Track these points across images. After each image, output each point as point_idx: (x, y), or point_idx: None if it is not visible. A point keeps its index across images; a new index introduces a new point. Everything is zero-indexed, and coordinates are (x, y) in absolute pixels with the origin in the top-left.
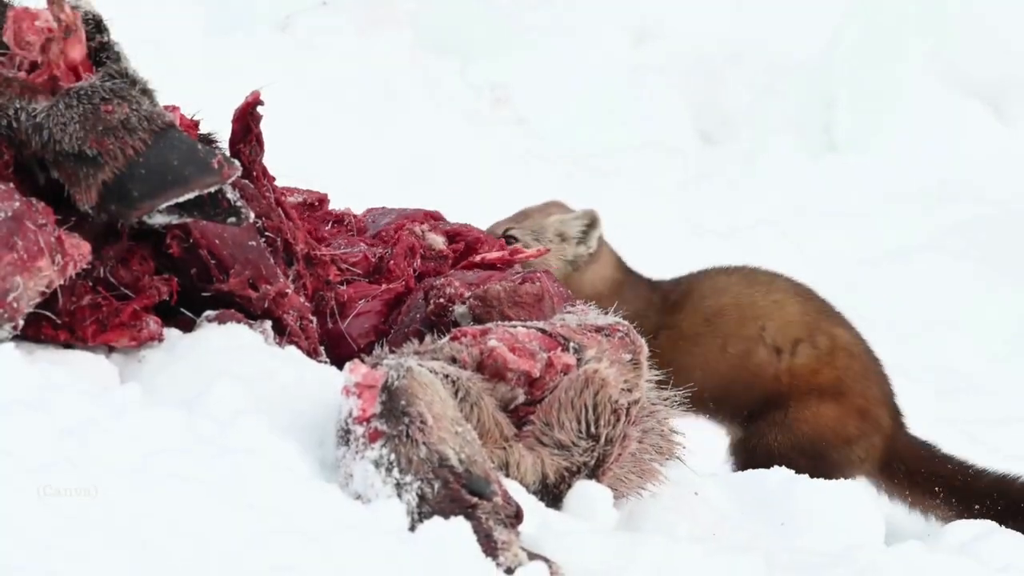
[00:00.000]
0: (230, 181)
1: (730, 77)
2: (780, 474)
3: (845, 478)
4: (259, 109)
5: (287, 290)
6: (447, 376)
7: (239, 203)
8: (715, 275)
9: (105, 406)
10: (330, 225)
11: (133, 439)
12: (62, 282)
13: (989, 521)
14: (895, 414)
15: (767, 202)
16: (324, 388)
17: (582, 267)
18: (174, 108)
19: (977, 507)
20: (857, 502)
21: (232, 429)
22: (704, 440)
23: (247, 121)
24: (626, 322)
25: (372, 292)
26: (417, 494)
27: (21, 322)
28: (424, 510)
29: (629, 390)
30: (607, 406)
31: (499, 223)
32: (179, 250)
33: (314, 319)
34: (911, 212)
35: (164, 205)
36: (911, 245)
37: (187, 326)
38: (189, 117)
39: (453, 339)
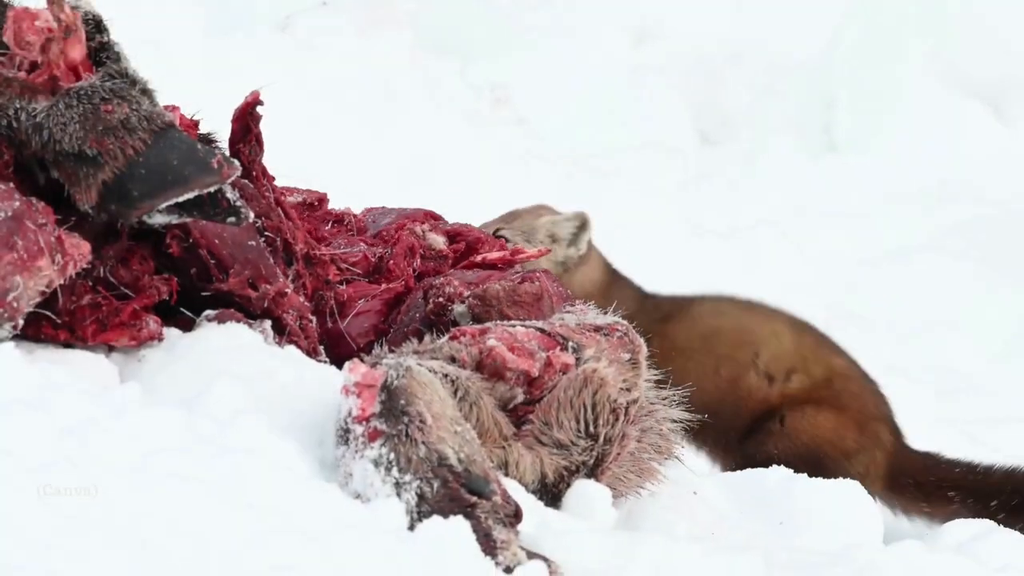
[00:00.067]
0: (230, 181)
1: (730, 77)
2: (778, 473)
3: None
4: (259, 109)
5: (287, 290)
6: (446, 375)
7: (239, 203)
8: (716, 298)
9: (105, 405)
10: (330, 225)
11: (133, 438)
12: (62, 282)
13: (988, 521)
14: (895, 431)
15: (767, 202)
16: (324, 387)
17: (572, 269)
18: (174, 108)
19: (994, 504)
20: (856, 501)
21: (232, 428)
22: None
23: (247, 121)
24: (625, 322)
25: (372, 292)
26: (416, 493)
27: (21, 321)
28: (423, 509)
29: (628, 389)
30: (606, 405)
31: (488, 223)
32: (179, 250)
33: (314, 319)
34: (911, 212)
35: (164, 205)
36: (911, 245)
37: (187, 326)
38: (189, 117)
39: (452, 338)
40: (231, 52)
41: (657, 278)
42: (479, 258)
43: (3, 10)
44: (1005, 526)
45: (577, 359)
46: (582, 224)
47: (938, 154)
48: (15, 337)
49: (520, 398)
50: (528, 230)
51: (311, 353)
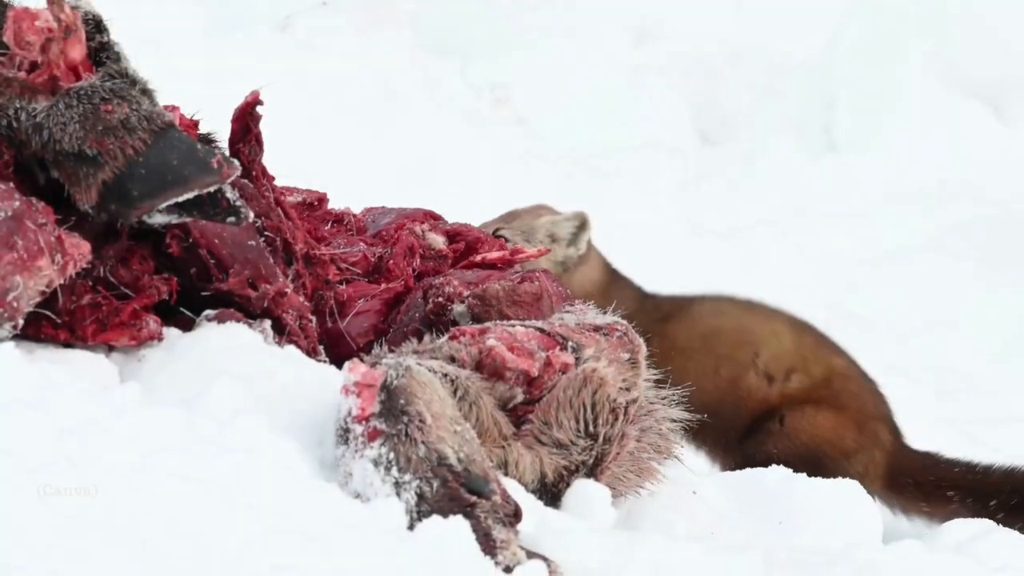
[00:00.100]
0: (229, 181)
1: (730, 77)
2: (778, 473)
3: None
4: (258, 109)
5: (286, 289)
6: (446, 375)
7: (238, 203)
8: (716, 298)
9: (105, 405)
10: (329, 225)
11: (133, 438)
12: (62, 281)
13: (987, 520)
14: (894, 431)
15: (767, 202)
16: (323, 387)
17: (571, 269)
18: (174, 108)
19: (993, 503)
20: (855, 501)
21: (231, 428)
22: None
23: (246, 121)
24: (624, 322)
25: (371, 291)
26: (416, 493)
27: (21, 321)
28: (423, 509)
29: (627, 389)
30: (605, 405)
31: (487, 223)
32: (179, 249)
33: (313, 318)
34: (911, 212)
35: (164, 205)
36: (911, 245)
37: (187, 325)
38: (189, 117)
39: (452, 338)
40: (231, 52)
41: (657, 278)
42: (478, 258)
43: (3, 10)
44: (1004, 525)
45: (577, 359)
46: (581, 224)
47: (938, 154)
48: (15, 337)
49: (520, 398)
50: (527, 230)
51: (311, 353)
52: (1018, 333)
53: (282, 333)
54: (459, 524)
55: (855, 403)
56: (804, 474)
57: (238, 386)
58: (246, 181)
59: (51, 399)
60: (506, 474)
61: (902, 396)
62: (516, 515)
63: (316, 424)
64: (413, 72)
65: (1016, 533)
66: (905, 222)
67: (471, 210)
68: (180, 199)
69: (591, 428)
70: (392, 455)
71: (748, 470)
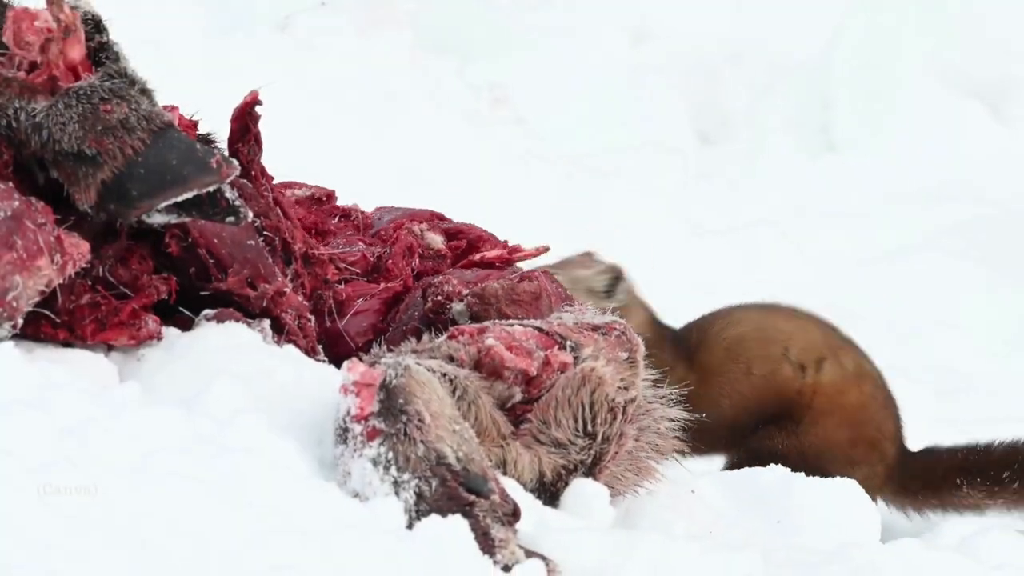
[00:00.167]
0: (228, 180)
1: (730, 77)
2: (777, 472)
3: None
4: (258, 109)
5: (285, 289)
6: (445, 374)
7: (237, 202)
8: (727, 310)
9: (104, 405)
10: (337, 219)
11: (132, 438)
12: (61, 281)
13: (985, 519)
14: (900, 446)
15: (767, 202)
16: (322, 387)
17: None
18: (173, 108)
19: (1006, 475)
20: (854, 500)
21: (231, 428)
22: None
23: (245, 121)
24: (623, 321)
25: (370, 291)
26: (415, 492)
27: (20, 321)
28: (422, 508)
29: (626, 388)
30: (604, 404)
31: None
32: (178, 249)
33: (312, 318)
34: (911, 212)
35: (163, 204)
36: (911, 245)
37: (186, 325)
38: (188, 117)
39: (451, 337)
40: (231, 52)
41: (657, 278)
42: (477, 257)
43: (3, 10)
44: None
45: (575, 358)
46: (615, 276)
47: (938, 154)
48: (14, 336)
49: (518, 397)
50: (570, 284)
51: (310, 352)
52: (1018, 333)
53: (281, 332)
54: (458, 523)
55: (878, 417)
56: (808, 473)
57: (237, 385)
58: (245, 181)
59: (51, 399)
60: (505, 473)
61: (902, 396)
62: (515, 514)
63: (315, 423)
64: (413, 72)
65: (1014, 532)
66: (905, 222)
67: (471, 210)
68: (179, 199)
69: (589, 427)
70: (391, 454)
71: (747, 469)
